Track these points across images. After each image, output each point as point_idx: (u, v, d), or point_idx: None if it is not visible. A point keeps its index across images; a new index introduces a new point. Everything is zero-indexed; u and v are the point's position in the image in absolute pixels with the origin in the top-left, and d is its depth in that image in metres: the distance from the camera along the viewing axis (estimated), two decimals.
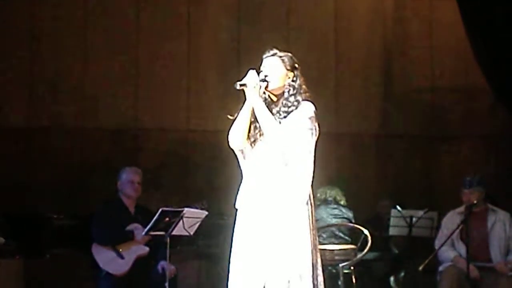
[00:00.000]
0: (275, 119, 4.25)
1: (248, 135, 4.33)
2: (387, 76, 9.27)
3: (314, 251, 4.21)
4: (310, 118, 4.24)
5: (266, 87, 4.29)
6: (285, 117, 4.24)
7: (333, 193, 7.30)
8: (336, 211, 7.13)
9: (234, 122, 4.31)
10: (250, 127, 4.32)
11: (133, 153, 8.44)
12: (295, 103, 4.27)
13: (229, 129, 4.31)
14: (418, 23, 9.33)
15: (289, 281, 4.12)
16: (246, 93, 4.27)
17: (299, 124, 4.21)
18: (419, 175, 9.22)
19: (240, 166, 4.38)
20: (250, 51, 8.13)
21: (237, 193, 4.34)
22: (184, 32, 8.69)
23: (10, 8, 8.25)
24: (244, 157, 4.36)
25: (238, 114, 4.31)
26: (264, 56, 4.37)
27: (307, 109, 4.26)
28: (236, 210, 4.33)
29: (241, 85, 4.24)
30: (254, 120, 4.30)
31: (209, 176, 8.37)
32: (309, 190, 4.22)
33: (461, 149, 9.32)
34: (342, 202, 7.31)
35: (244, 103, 4.28)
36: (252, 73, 4.27)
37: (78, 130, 8.35)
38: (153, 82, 8.58)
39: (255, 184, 4.26)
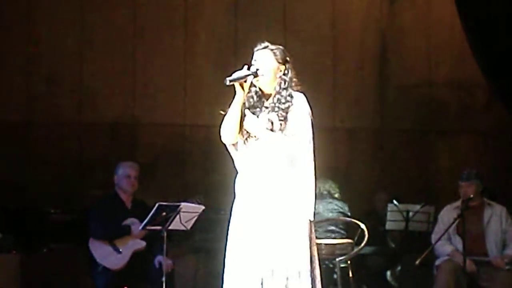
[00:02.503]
0: (271, 113, 4.25)
1: (241, 130, 4.33)
2: (384, 71, 9.27)
3: (311, 245, 4.22)
4: (308, 114, 4.24)
5: (257, 80, 4.29)
6: (285, 118, 4.22)
7: (327, 186, 7.28)
8: (331, 205, 7.12)
9: (225, 117, 4.31)
10: (242, 123, 4.32)
11: (130, 147, 8.44)
12: (289, 98, 4.26)
13: (221, 124, 4.32)
14: (415, 17, 9.32)
15: (287, 278, 4.13)
16: (236, 89, 4.27)
17: (301, 124, 4.20)
18: (415, 170, 9.23)
19: (233, 161, 4.38)
20: (247, 46, 8.05)
21: (234, 185, 4.35)
22: (180, 27, 8.69)
23: (8, 4, 8.23)
24: (237, 150, 4.36)
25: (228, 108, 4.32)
26: (255, 49, 4.37)
27: (304, 103, 4.25)
28: (232, 205, 4.33)
29: (230, 81, 4.24)
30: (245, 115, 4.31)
31: (205, 171, 8.37)
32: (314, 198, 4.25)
33: (458, 144, 9.33)
34: (336, 196, 7.29)
35: (234, 97, 4.29)
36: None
37: (75, 125, 8.34)
38: (150, 77, 8.58)
39: (254, 180, 4.26)
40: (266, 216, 4.19)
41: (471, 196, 6.62)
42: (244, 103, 4.32)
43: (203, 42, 8.74)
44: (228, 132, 4.31)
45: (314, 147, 4.23)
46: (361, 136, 9.15)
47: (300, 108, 4.23)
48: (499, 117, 8.97)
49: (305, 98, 4.27)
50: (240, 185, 4.31)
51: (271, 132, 4.22)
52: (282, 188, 4.21)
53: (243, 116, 4.31)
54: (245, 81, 4.26)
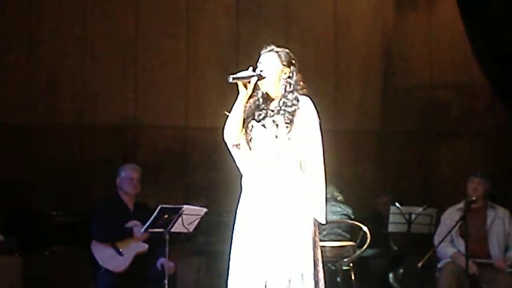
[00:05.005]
0: (276, 116, 4.25)
1: (246, 133, 4.33)
2: (386, 73, 9.26)
3: (315, 248, 4.21)
4: (316, 117, 4.25)
5: (262, 83, 4.29)
6: (291, 121, 4.22)
7: (330, 189, 7.28)
8: (335, 208, 7.12)
9: (228, 117, 4.32)
10: (247, 125, 4.32)
11: (132, 150, 8.43)
12: (295, 101, 4.26)
13: (224, 124, 4.32)
14: (417, 20, 9.32)
15: (289, 281, 4.12)
16: (239, 88, 4.27)
17: (310, 128, 4.21)
18: (418, 172, 9.22)
19: (235, 162, 4.38)
20: (249, 48, 8.12)
21: (241, 190, 4.35)
22: (183, 29, 8.68)
23: (9, 5, 8.24)
24: (240, 151, 4.36)
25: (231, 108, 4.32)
26: (261, 52, 4.38)
27: (310, 107, 4.26)
28: (237, 207, 4.33)
29: (234, 78, 4.24)
30: (251, 118, 4.31)
31: (208, 173, 8.36)
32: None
33: (460, 146, 9.32)
34: (339, 199, 7.29)
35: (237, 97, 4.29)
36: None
37: (77, 127, 8.34)
38: (152, 79, 8.57)
39: (260, 183, 4.25)
40: (271, 219, 4.19)
41: (477, 196, 6.64)
42: (250, 106, 4.32)
43: (205, 44, 8.74)
44: (231, 131, 4.32)
45: (323, 150, 4.24)
46: (363, 138, 9.14)
47: (308, 112, 4.24)
48: (500, 118, 8.97)
49: (311, 102, 4.27)
50: (246, 188, 4.31)
51: (279, 141, 4.21)
52: (288, 191, 4.21)
53: (247, 119, 4.32)
54: (249, 82, 4.26)
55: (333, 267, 6.84)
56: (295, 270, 4.13)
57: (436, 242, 6.77)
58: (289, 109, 4.24)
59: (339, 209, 7.13)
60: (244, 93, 4.27)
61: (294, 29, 8.87)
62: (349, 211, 7.18)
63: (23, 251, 6.97)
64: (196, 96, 8.63)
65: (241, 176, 4.37)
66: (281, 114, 4.24)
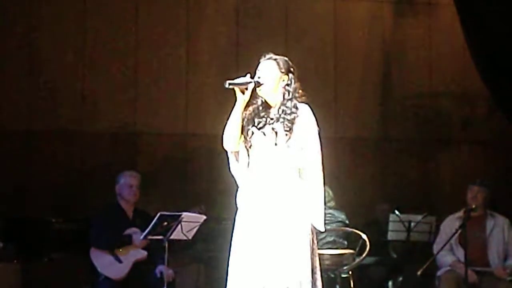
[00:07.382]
0: (276, 123, 4.25)
1: (245, 140, 4.33)
2: (386, 81, 9.27)
3: (313, 256, 4.21)
4: (315, 125, 4.25)
5: (260, 90, 4.30)
6: (290, 128, 4.23)
7: None
8: (328, 216, 7.08)
9: (226, 124, 4.32)
10: (246, 132, 4.32)
11: (132, 157, 8.43)
12: (294, 109, 4.27)
13: (223, 130, 4.33)
14: (417, 28, 9.33)
15: None
16: (236, 94, 4.28)
17: (309, 136, 4.22)
18: (417, 180, 9.22)
19: (230, 169, 4.38)
20: (248, 55, 8.10)
21: (236, 197, 4.35)
22: (182, 36, 8.70)
23: (9, 11, 8.25)
24: (237, 160, 4.36)
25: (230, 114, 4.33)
26: (260, 59, 4.38)
27: (309, 115, 4.26)
28: (235, 215, 4.33)
29: (230, 84, 4.25)
30: (250, 125, 4.31)
31: (207, 180, 8.36)
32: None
33: (460, 154, 9.33)
34: (329, 204, 7.23)
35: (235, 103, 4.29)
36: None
37: (77, 134, 8.34)
38: (151, 87, 8.59)
39: (258, 190, 4.25)
40: (269, 226, 4.19)
41: (477, 204, 6.64)
42: (250, 114, 4.33)
43: (205, 52, 8.75)
44: (230, 137, 4.32)
45: (322, 158, 4.24)
46: (363, 146, 9.15)
47: (306, 120, 4.24)
48: (500, 127, 8.98)
49: (310, 109, 4.28)
50: (244, 195, 4.31)
51: (278, 149, 4.22)
52: (286, 198, 4.21)
53: (247, 126, 4.32)
54: (246, 89, 4.26)
55: (332, 275, 6.82)
56: (293, 277, 4.12)
57: (435, 250, 6.77)
58: (288, 117, 4.25)
59: (332, 217, 7.09)
60: (241, 100, 4.28)
61: (294, 37, 8.89)
62: (343, 217, 7.13)
63: (22, 258, 6.96)
64: (195, 103, 8.64)
65: (237, 187, 4.37)
66: (280, 122, 4.25)
